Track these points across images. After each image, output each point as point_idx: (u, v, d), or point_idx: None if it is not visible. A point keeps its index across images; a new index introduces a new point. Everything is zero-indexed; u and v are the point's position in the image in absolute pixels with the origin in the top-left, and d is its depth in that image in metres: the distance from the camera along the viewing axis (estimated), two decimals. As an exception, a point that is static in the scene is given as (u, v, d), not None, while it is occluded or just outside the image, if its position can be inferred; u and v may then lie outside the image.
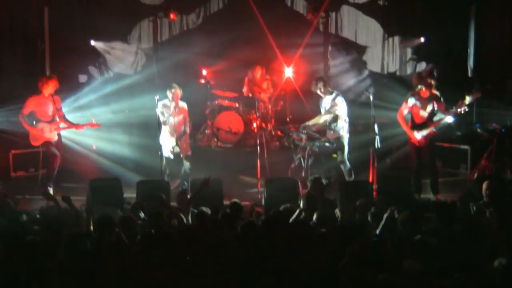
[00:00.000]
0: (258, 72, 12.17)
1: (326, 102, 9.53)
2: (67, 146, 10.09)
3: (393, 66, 13.78)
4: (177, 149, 9.81)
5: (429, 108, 8.95)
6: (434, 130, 9.00)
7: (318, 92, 9.56)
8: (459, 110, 8.73)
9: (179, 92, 9.66)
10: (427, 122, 8.98)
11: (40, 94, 9.29)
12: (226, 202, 8.10)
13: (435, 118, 8.98)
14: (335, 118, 9.42)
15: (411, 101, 9.02)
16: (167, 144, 9.67)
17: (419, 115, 9.03)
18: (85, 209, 7.46)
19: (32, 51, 12.07)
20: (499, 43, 12.80)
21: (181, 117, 9.80)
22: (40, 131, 9.27)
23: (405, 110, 9.11)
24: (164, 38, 13.47)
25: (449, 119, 9.01)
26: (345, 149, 9.48)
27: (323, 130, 9.76)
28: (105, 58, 13.31)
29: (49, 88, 9.26)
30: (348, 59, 13.88)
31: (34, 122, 9.26)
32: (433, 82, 9.06)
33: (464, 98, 8.68)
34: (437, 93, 9.02)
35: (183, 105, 9.86)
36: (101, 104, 11.91)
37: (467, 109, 8.76)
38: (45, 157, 9.53)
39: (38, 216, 7.22)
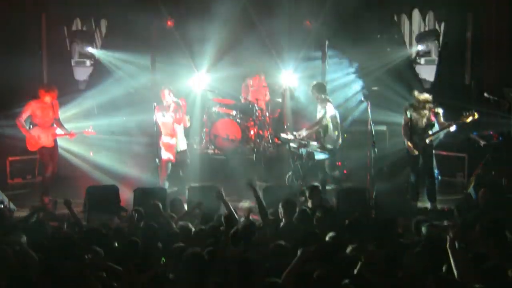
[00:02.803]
0: (256, 80, 12.20)
1: (319, 108, 9.61)
2: (64, 152, 10.09)
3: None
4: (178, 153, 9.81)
5: (426, 121, 8.95)
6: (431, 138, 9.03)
7: (313, 96, 9.64)
8: (454, 126, 8.79)
9: (166, 91, 9.63)
10: (424, 133, 8.98)
11: (39, 99, 9.31)
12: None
13: (433, 130, 8.98)
14: (326, 129, 9.46)
15: (409, 113, 9.04)
16: (166, 150, 9.67)
17: (417, 126, 9.02)
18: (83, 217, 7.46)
19: (30, 57, 12.08)
20: (496, 50, 12.83)
21: (173, 115, 9.69)
22: (37, 136, 9.26)
23: (406, 121, 9.13)
24: (161, 45, 13.48)
25: (452, 128, 8.98)
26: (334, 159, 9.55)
27: (319, 138, 9.79)
28: (104, 65, 13.34)
29: (48, 98, 9.27)
30: (345, 65, 13.87)
31: (31, 127, 9.27)
32: (427, 108, 9.01)
33: (464, 117, 8.70)
34: (438, 109, 8.98)
35: (177, 102, 9.81)
36: (99, 111, 11.94)
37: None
38: (41, 164, 9.53)
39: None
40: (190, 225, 6.53)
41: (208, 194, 7.95)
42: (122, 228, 6.60)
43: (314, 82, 9.85)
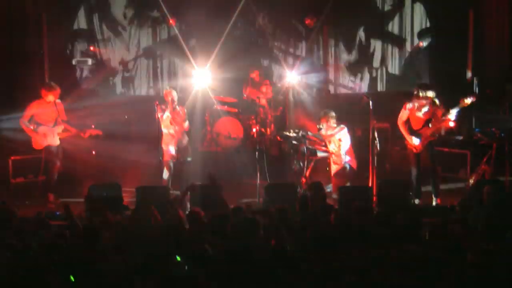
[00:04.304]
0: (257, 77, 12.18)
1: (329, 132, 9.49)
2: (67, 151, 10.09)
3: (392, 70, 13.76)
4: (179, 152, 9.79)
5: (426, 113, 8.95)
6: (431, 135, 9.00)
7: (324, 124, 9.42)
8: (454, 110, 8.78)
9: (171, 93, 9.61)
10: (424, 127, 8.98)
11: (41, 99, 9.31)
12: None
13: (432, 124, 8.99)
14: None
15: (409, 106, 9.02)
16: (168, 148, 9.66)
17: (416, 120, 9.02)
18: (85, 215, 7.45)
19: (31, 57, 12.08)
20: (498, 47, 12.80)
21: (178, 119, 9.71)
22: (42, 135, 9.28)
23: (404, 116, 9.11)
24: (162, 43, 13.48)
25: (449, 123, 9.01)
26: None
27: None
28: (105, 64, 13.33)
29: (51, 97, 9.28)
30: (346, 64, 13.85)
31: (36, 126, 9.28)
32: (430, 95, 8.97)
33: (463, 99, 8.71)
34: (436, 100, 9.00)
35: (179, 108, 9.79)
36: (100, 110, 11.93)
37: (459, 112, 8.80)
38: (46, 163, 9.53)
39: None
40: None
41: (209, 192, 7.97)
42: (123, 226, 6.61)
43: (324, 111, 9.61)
